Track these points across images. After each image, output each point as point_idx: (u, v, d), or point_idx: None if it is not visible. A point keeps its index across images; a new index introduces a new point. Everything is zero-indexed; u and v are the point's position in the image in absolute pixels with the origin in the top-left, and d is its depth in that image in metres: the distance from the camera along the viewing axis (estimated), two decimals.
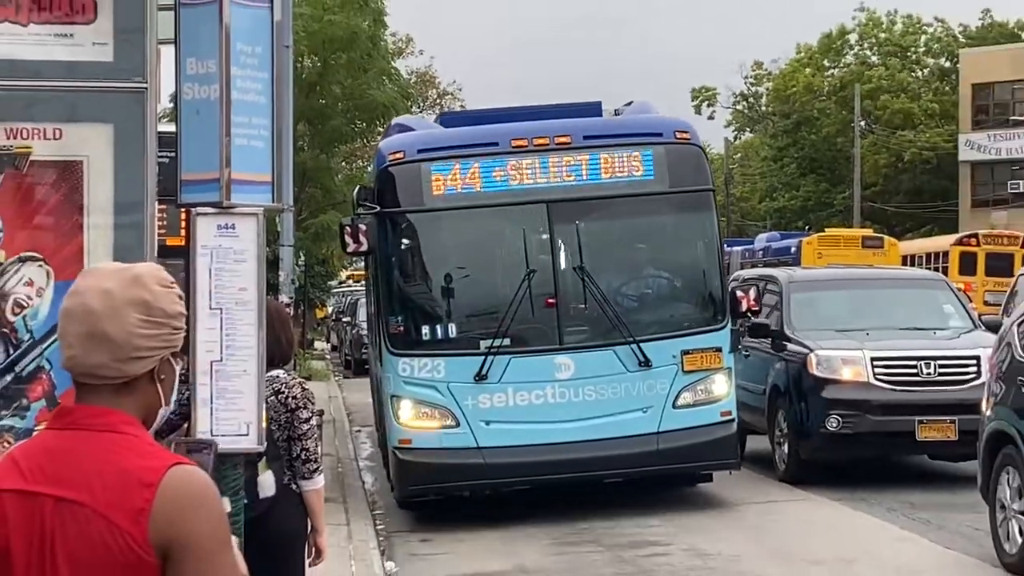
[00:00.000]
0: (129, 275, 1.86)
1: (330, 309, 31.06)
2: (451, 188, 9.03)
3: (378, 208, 8.99)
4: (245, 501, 3.53)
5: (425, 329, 9.12)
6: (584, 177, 9.07)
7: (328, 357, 27.64)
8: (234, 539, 1.94)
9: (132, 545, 1.74)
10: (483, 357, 8.64)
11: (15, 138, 3.55)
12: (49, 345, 3.47)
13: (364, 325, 17.69)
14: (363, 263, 23.43)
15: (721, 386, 9.07)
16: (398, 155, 9.12)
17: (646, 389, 8.87)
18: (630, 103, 10.47)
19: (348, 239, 8.95)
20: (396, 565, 8.13)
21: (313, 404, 4.38)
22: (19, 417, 3.49)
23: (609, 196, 9.20)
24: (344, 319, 27.60)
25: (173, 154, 3.56)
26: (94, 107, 3.56)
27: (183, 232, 5.48)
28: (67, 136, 3.56)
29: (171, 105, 5.48)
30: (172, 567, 1.75)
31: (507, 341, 8.74)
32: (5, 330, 3.49)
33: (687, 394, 8.93)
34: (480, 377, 8.61)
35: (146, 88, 3.54)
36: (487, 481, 8.86)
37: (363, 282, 19.93)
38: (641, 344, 8.76)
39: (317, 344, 28.74)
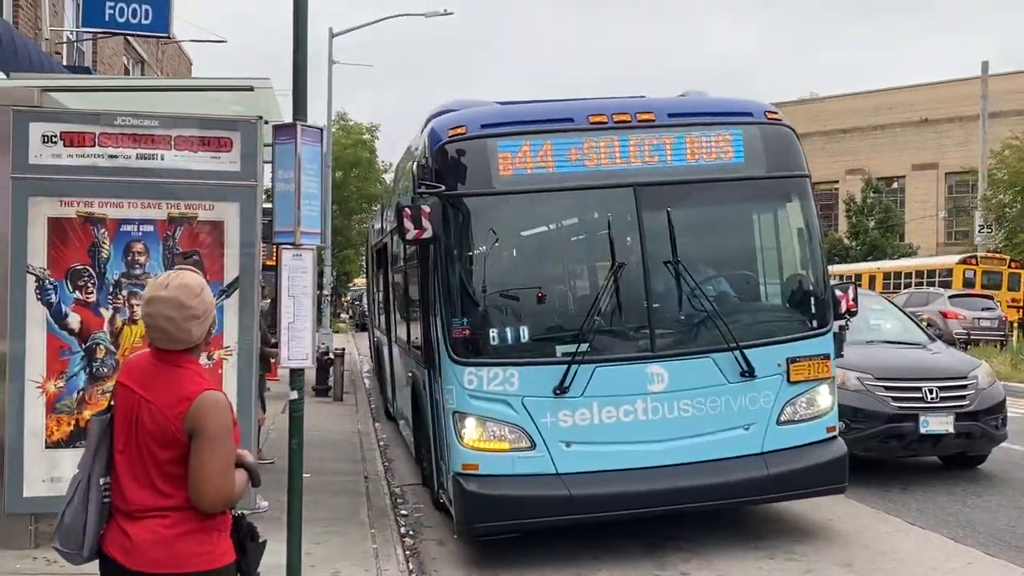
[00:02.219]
0: (184, 288, 3.34)
1: (349, 297, 55.68)
2: (521, 169, 7.52)
3: (441, 188, 7.42)
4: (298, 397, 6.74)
5: (494, 333, 7.48)
6: (669, 159, 7.74)
7: (347, 322, 50.33)
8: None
9: (173, 429, 3.24)
10: (563, 366, 7.24)
11: (189, 209, 6.92)
12: None
13: (364, 306, 31.69)
14: (365, 270, 26.35)
15: (825, 398, 7.86)
16: (459, 130, 7.62)
17: (748, 403, 7.57)
18: (684, 94, 9.08)
19: (408, 224, 7.32)
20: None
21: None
22: None
23: (700, 180, 7.83)
24: (356, 303, 50.73)
25: (270, 219, 6.84)
26: (230, 194, 6.94)
27: (274, 257, 8.87)
28: (216, 208, 6.94)
29: (270, 193, 8.86)
30: (195, 443, 3.24)
31: (591, 348, 7.37)
32: None
33: (791, 408, 7.69)
34: (561, 390, 7.22)
35: (256, 184, 6.94)
36: (570, 517, 7.30)
37: (365, 285, 29.79)
38: (744, 351, 7.49)
39: (343, 315, 53.21)
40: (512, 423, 7.29)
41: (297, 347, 6.24)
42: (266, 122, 7.29)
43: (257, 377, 7.61)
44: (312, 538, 7.01)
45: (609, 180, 7.71)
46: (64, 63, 15.79)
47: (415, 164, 8.44)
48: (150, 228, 6.98)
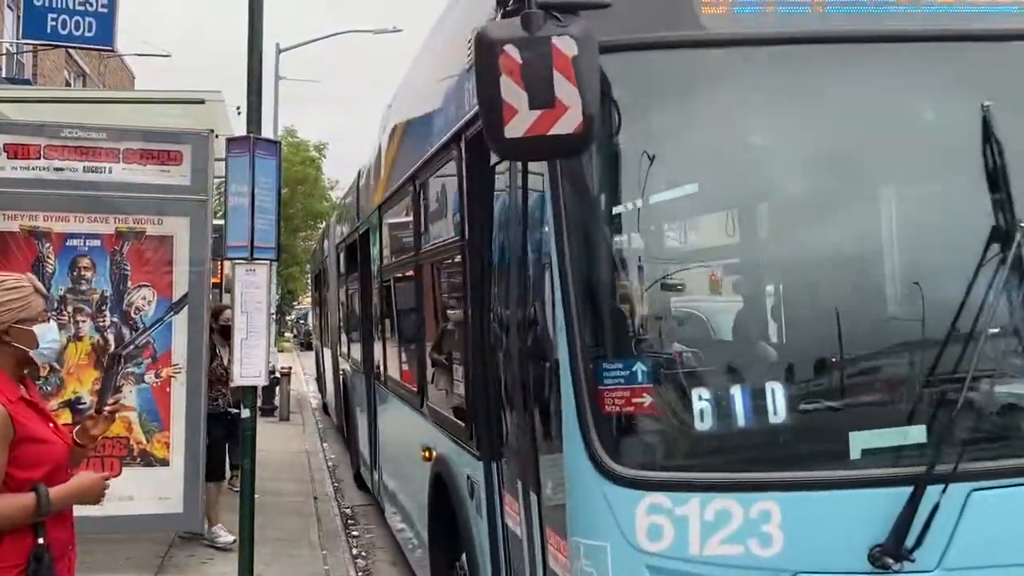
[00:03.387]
0: None
1: (294, 316, 52.70)
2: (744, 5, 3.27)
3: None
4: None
5: (713, 404, 3.16)
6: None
7: (291, 340, 47.98)
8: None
9: None
10: (899, 488, 2.99)
11: (137, 223, 6.76)
12: (153, 329, 6.63)
13: (310, 325, 31.18)
14: (312, 288, 22.75)
15: None
16: None
17: None
18: None
19: (514, 92, 2.82)
20: None
21: None
22: (137, 367, 6.65)
23: None
24: (300, 322, 49.06)
25: (217, 235, 6.72)
26: (179, 208, 6.78)
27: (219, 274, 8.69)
28: (165, 223, 6.78)
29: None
30: None
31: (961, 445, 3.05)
32: (131, 322, 6.66)
33: None
34: (897, 554, 2.96)
35: (206, 199, 6.79)
36: None
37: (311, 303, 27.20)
38: None
39: (286, 333, 49.57)
40: None
41: (249, 364, 6.13)
42: (217, 136, 7.18)
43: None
44: (262, 559, 6.85)
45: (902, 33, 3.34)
46: (3, 75, 15.42)
47: None
48: (97, 243, 6.80)
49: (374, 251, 8.00)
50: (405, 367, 6.72)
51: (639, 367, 3.12)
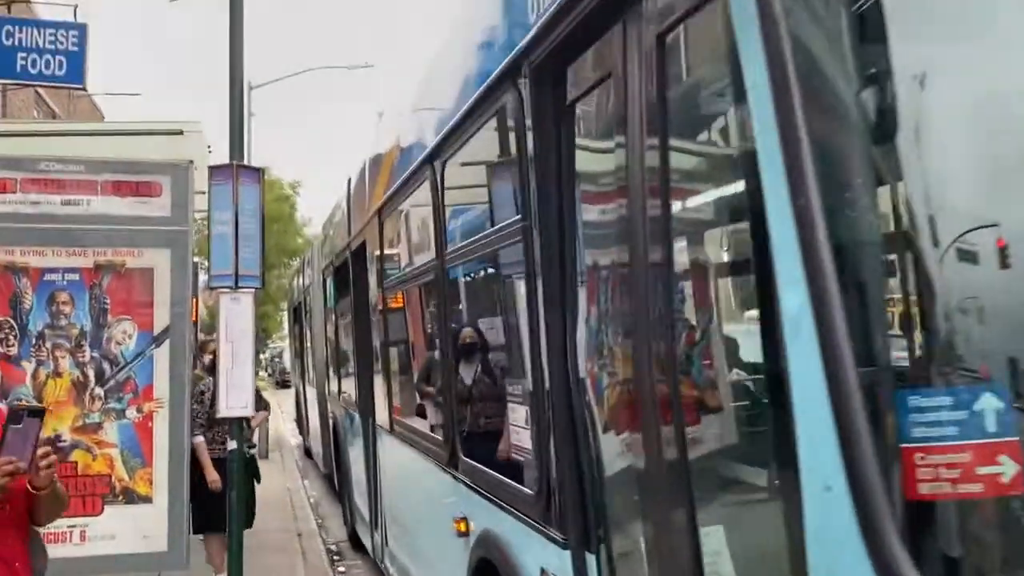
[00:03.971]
0: None
1: (268, 355, 50.54)
2: None
3: None
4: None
5: None
6: None
7: (267, 379, 45.60)
8: None
9: None
10: None
11: (117, 255, 6.64)
12: (135, 363, 6.49)
13: (286, 363, 29.66)
14: (291, 324, 21.17)
15: None
16: None
17: None
18: None
19: None
20: None
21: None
22: (118, 402, 6.50)
23: None
24: (275, 360, 47.62)
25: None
26: (160, 239, 6.67)
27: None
28: (145, 255, 6.66)
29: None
30: None
31: None
32: (111, 356, 6.52)
33: None
34: None
35: (187, 230, 6.68)
36: None
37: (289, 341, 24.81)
38: None
39: (260, 372, 49.60)
40: None
41: (236, 395, 6.02)
42: (196, 168, 7.09)
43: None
44: None
45: None
46: None
47: None
48: (75, 276, 6.67)
49: (374, 266, 6.87)
50: (423, 410, 5.49)
51: (989, 403, 1.65)
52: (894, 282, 1.85)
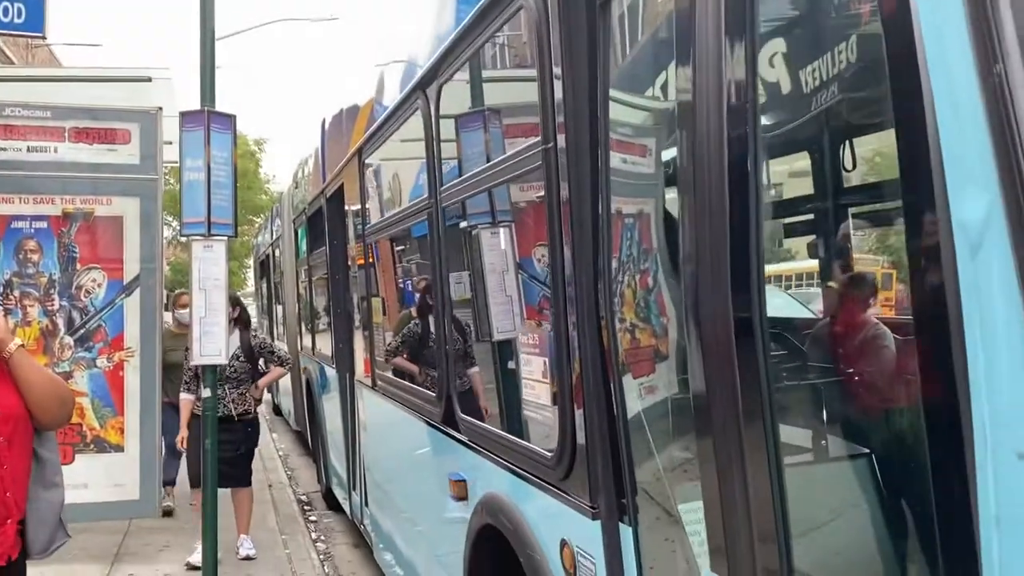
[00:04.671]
0: None
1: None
2: None
3: None
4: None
5: None
6: None
7: None
8: None
9: None
10: None
11: (86, 204, 6.57)
12: (105, 312, 6.46)
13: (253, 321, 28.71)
14: (257, 278, 20.02)
15: None
16: None
17: None
18: None
19: None
20: None
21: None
22: (88, 351, 6.47)
23: None
24: None
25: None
26: (129, 188, 6.61)
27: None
28: (114, 203, 6.60)
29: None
30: None
31: None
32: (81, 305, 6.48)
33: None
34: None
35: (157, 178, 6.62)
36: None
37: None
38: None
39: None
40: None
41: (209, 343, 5.99)
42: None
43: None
44: (223, 546, 6.72)
45: None
46: None
47: None
48: (43, 224, 6.61)
49: (353, 212, 6.42)
50: (414, 364, 5.04)
51: None
52: None
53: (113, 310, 6.59)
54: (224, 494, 6.63)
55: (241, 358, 7.04)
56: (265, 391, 8.04)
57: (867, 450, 2.09)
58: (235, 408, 7.02)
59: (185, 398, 6.92)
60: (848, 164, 2.28)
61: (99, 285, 6.59)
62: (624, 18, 2.49)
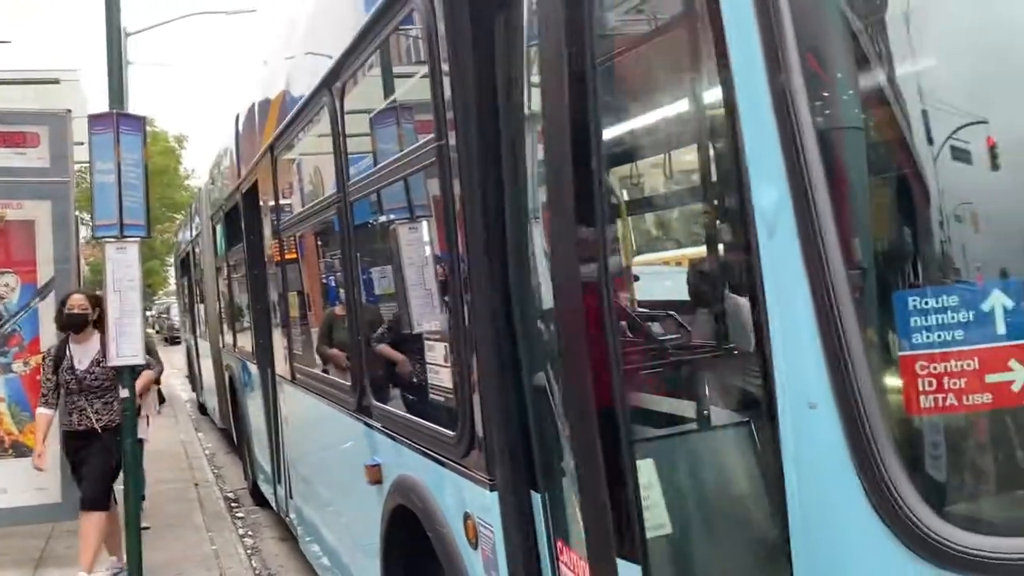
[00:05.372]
0: None
1: (155, 311, 48.94)
2: None
3: None
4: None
5: None
6: None
7: (154, 336, 46.34)
8: None
9: None
10: None
11: None
12: (19, 317, 6.45)
13: (174, 319, 30.00)
14: (179, 276, 19.60)
15: None
16: None
17: None
18: None
19: None
20: None
21: None
22: (3, 356, 6.47)
23: None
24: (163, 316, 46.91)
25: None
26: (39, 191, 6.60)
27: None
28: (26, 206, 6.58)
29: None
30: None
31: None
32: None
33: None
34: None
35: (68, 181, 6.63)
36: None
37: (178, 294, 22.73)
38: None
39: (148, 330, 48.58)
40: None
41: (126, 343, 6.03)
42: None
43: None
44: (148, 545, 6.76)
45: None
46: None
47: None
48: None
49: (268, 207, 6.52)
50: (328, 357, 5.19)
51: (999, 301, 1.56)
52: (879, 168, 1.71)
53: (28, 314, 6.57)
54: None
55: (103, 363, 6.09)
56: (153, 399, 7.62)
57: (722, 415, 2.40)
58: (98, 420, 6.14)
59: (43, 413, 6.14)
60: (681, 167, 2.56)
61: (12, 290, 6.57)
62: (521, 18, 2.56)
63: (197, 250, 14.14)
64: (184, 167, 40.38)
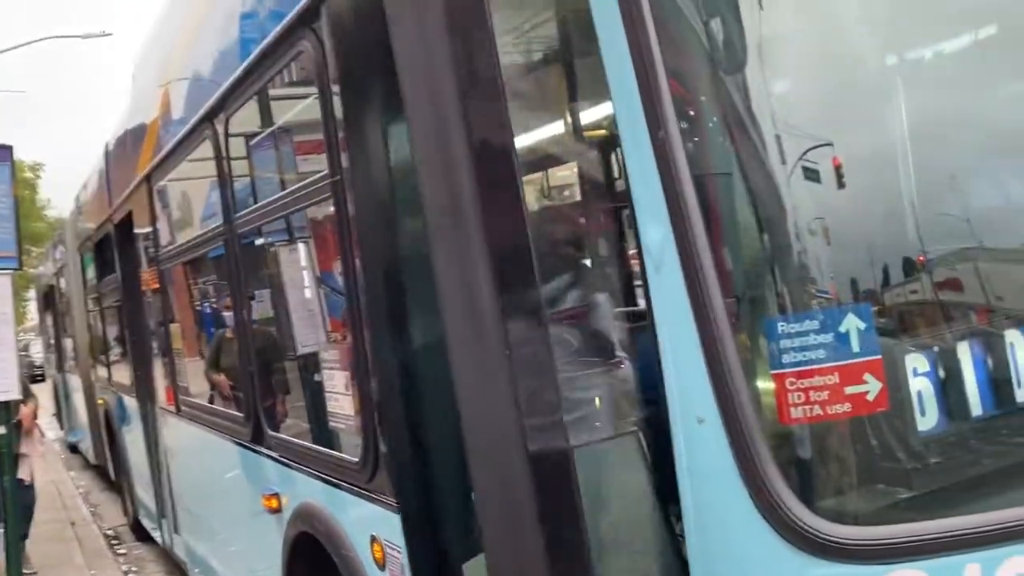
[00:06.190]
0: None
1: None
2: None
3: None
4: None
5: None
6: None
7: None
8: None
9: None
10: None
11: None
12: None
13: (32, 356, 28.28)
14: (43, 309, 19.09)
15: None
16: None
17: None
18: None
19: None
20: None
21: None
22: None
23: None
24: (22, 353, 43.86)
25: None
26: None
27: None
28: None
29: None
30: None
31: None
32: None
33: None
34: None
35: None
36: None
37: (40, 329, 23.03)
38: None
39: None
40: None
41: (0, 378, 5.87)
42: None
43: None
44: None
45: None
46: None
47: None
48: None
49: (146, 238, 6.35)
50: (218, 387, 5.13)
51: (853, 323, 1.77)
52: (748, 209, 1.93)
53: None
54: None
55: None
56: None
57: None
58: None
59: None
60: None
61: None
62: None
63: (63, 282, 13.61)
64: (40, 197, 38.93)
